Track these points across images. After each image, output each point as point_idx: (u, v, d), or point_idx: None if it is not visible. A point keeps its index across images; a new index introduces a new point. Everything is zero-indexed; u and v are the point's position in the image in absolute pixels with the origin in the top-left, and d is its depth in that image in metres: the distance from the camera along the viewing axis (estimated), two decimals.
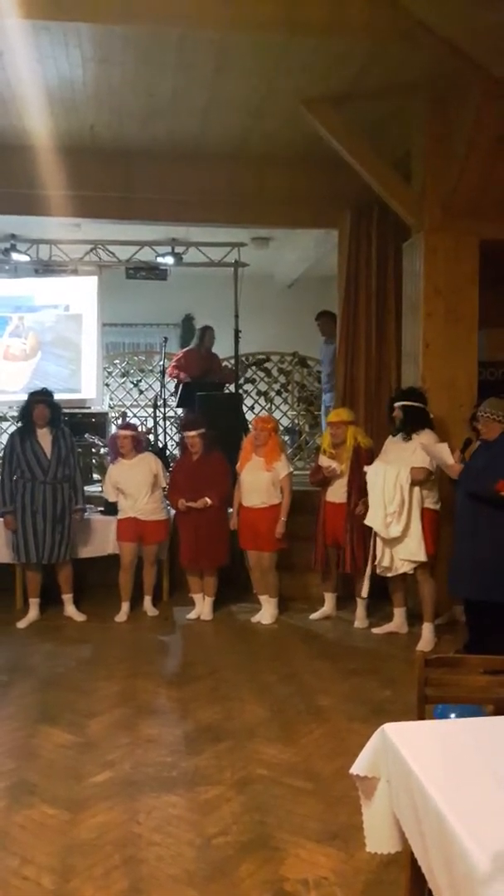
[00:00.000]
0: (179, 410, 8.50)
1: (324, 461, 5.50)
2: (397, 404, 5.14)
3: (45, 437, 5.52)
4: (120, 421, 8.59)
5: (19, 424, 5.73)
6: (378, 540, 5.05)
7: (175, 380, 8.01)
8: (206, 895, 2.43)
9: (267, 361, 9.23)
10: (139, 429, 6.39)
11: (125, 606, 5.66)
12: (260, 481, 5.46)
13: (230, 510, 5.73)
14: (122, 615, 5.62)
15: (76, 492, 5.59)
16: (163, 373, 8.60)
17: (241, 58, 4.88)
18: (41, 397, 5.60)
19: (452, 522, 4.72)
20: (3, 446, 8.72)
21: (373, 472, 5.07)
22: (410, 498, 4.94)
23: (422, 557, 4.94)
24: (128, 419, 8.84)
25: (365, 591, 5.22)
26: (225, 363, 8.42)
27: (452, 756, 1.82)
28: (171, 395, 8.26)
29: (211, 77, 5.13)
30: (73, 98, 5.44)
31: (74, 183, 6.27)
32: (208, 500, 5.47)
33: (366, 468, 5.15)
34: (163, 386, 8.61)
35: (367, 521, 5.07)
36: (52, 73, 5.06)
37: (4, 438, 8.82)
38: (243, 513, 5.54)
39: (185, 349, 8.24)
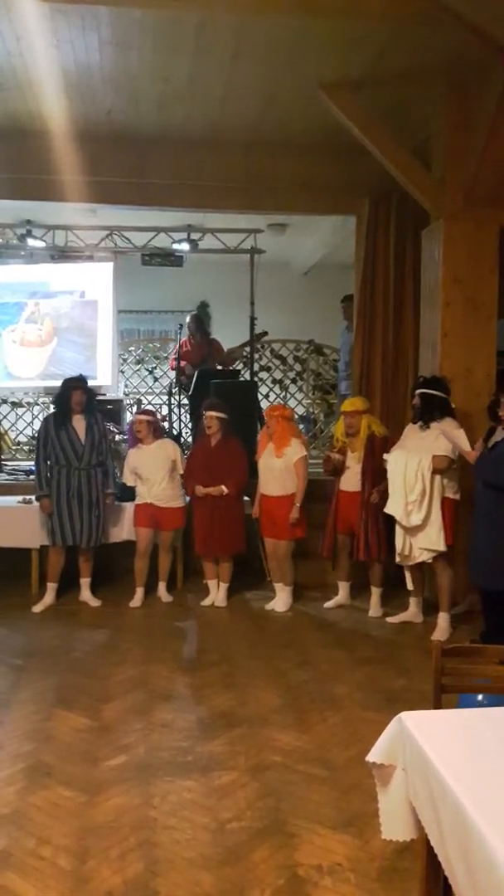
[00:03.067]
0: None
1: (330, 454, 5.53)
2: (417, 392, 5.11)
3: (79, 423, 5.55)
4: (136, 408, 8.61)
5: (53, 410, 5.74)
6: (398, 529, 5.04)
7: (177, 370, 7.94)
8: (221, 879, 2.44)
9: (265, 336, 8.91)
10: (156, 415, 6.37)
11: (140, 592, 5.69)
12: (274, 469, 5.47)
13: (246, 498, 5.74)
14: (136, 601, 5.65)
15: (108, 476, 5.67)
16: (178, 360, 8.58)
17: (258, 42, 4.84)
18: (78, 383, 5.63)
19: (472, 511, 4.70)
20: (19, 431, 8.83)
21: (393, 461, 5.03)
22: (432, 487, 4.91)
23: (441, 547, 4.92)
24: (143, 406, 8.84)
25: (409, 584, 5.19)
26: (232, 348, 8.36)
27: (469, 745, 1.81)
28: (177, 384, 8.12)
29: (228, 62, 5.09)
30: (89, 83, 5.42)
31: (90, 168, 6.26)
32: (224, 489, 5.48)
33: (385, 456, 5.12)
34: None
35: (388, 510, 5.04)
36: (68, 57, 5.04)
37: (21, 425, 8.88)
38: (262, 501, 5.56)
39: (180, 340, 8.17)
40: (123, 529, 5.87)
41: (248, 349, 8.27)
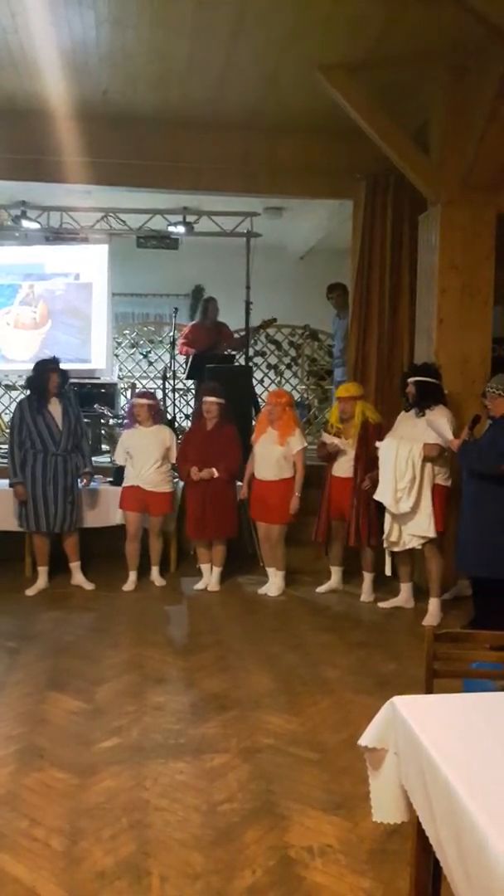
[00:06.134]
0: (189, 382, 8.45)
1: (327, 438, 5.51)
2: (410, 380, 5.10)
3: (55, 407, 5.48)
4: (130, 392, 8.59)
5: (28, 394, 5.60)
6: (387, 515, 5.05)
7: (186, 356, 7.96)
8: (212, 860, 2.47)
9: (274, 322, 8.84)
10: (157, 399, 6.30)
11: (132, 576, 5.70)
12: (272, 455, 5.46)
13: (239, 483, 5.74)
14: (129, 584, 5.66)
15: (84, 457, 5.61)
16: (172, 344, 8.56)
17: (257, 22, 4.78)
18: (54, 366, 5.53)
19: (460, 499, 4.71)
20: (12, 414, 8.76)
21: (385, 448, 5.04)
22: (422, 474, 4.92)
23: (431, 533, 4.94)
24: (138, 389, 8.81)
25: (388, 569, 5.19)
26: (236, 333, 8.34)
27: (462, 729, 1.82)
28: (181, 366, 8.18)
29: (226, 42, 5.03)
30: (86, 62, 5.34)
31: (86, 149, 6.19)
32: (215, 472, 5.48)
33: (378, 444, 5.13)
34: (172, 357, 8.56)
35: (377, 497, 5.05)
36: (65, 35, 4.97)
37: (14, 408, 8.82)
38: (255, 485, 5.56)
39: (190, 324, 8.15)
40: (116, 513, 5.86)
41: (257, 332, 8.25)
